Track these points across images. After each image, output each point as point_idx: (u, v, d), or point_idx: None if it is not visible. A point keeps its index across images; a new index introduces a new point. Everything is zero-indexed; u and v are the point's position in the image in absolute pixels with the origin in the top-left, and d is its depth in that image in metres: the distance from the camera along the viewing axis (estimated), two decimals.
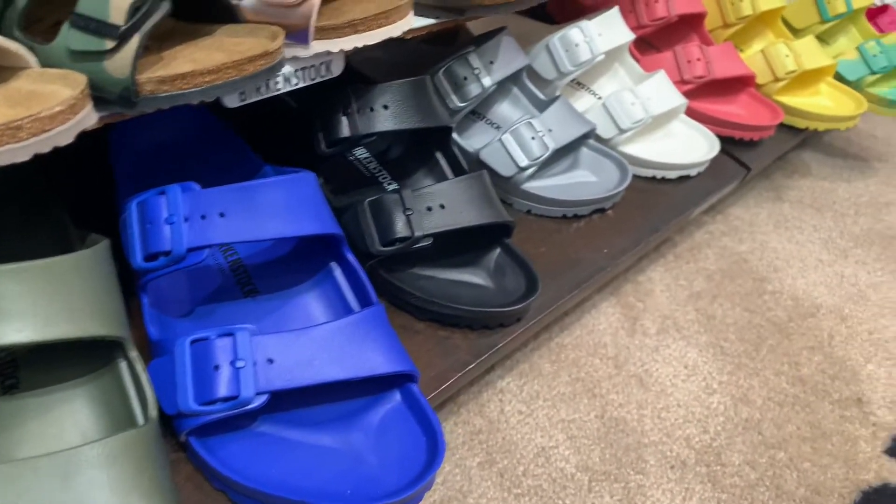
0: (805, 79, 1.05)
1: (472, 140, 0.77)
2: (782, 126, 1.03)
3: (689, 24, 1.02)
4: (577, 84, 0.91)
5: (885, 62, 1.12)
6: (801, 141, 1.11)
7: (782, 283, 0.93)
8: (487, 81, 0.71)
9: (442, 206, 0.57)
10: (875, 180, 1.21)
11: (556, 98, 0.78)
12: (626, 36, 0.85)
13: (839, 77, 1.11)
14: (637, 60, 0.94)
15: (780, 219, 1.06)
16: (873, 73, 1.11)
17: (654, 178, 0.86)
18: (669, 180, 0.86)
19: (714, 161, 0.89)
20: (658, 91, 0.85)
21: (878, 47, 1.12)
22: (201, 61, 0.42)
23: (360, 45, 0.50)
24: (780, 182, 1.16)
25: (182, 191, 0.46)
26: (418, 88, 0.60)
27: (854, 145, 1.30)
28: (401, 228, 0.56)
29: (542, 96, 0.80)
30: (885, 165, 1.25)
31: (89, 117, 0.37)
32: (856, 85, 1.12)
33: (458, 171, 0.68)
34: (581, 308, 0.83)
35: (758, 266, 0.95)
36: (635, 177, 0.84)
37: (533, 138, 0.72)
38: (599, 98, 0.90)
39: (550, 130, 0.74)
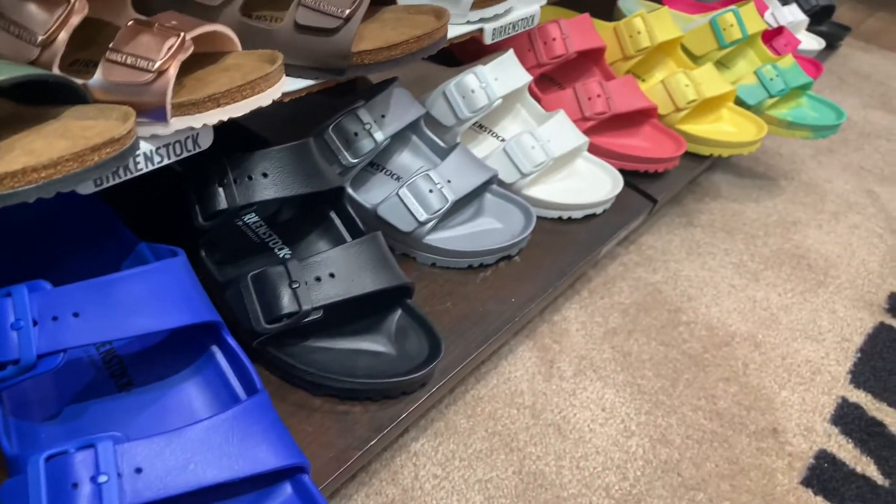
0: (706, 106, 1.07)
1: (371, 194, 0.75)
2: (688, 154, 1.04)
3: (590, 58, 1.03)
4: (479, 127, 0.90)
5: (782, 85, 1.15)
6: (706, 168, 1.14)
7: (696, 312, 0.94)
8: (380, 136, 0.69)
9: (332, 275, 0.55)
10: (782, 199, 1.24)
11: (456, 146, 0.77)
12: (523, 79, 0.85)
13: (740, 102, 1.14)
14: (538, 100, 0.95)
15: (693, 245, 1.08)
16: (771, 96, 1.14)
17: (560, 219, 0.86)
18: (576, 220, 0.86)
19: (620, 196, 0.89)
20: (558, 132, 0.85)
21: (774, 71, 1.16)
22: (39, 153, 0.39)
23: (224, 118, 0.48)
24: (691, 207, 1.18)
25: (29, 291, 0.42)
26: (301, 152, 0.58)
27: (761, 164, 1.34)
28: (287, 303, 0.53)
29: (441, 144, 0.78)
30: (791, 183, 1.29)
31: None
32: (756, 109, 1.15)
33: (354, 230, 0.66)
34: (498, 355, 0.82)
35: (672, 296, 0.96)
36: (541, 219, 0.84)
37: (431, 191, 0.71)
38: (502, 141, 0.89)
39: (449, 181, 0.72)
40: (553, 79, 1.04)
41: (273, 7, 0.62)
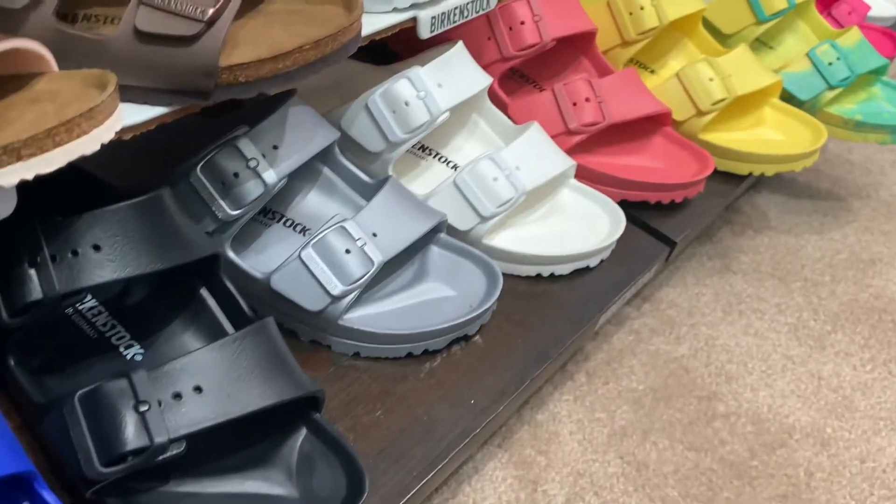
0: (741, 106, 1.09)
1: (264, 257, 0.74)
2: (718, 173, 1.05)
3: (575, 46, 1.04)
4: (422, 150, 0.90)
5: (846, 72, 1.18)
6: (746, 189, 1.15)
7: (739, 399, 0.94)
8: (271, 176, 0.69)
9: (198, 389, 0.54)
10: (855, 227, 1.26)
11: (386, 181, 0.77)
12: (479, 82, 0.86)
13: (788, 97, 1.16)
14: (504, 107, 0.95)
15: (731, 299, 1.08)
16: (831, 87, 1.17)
17: (539, 277, 0.85)
18: (561, 277, 0.86)
19: (624, 239, 0.89)
20: (532, 154, 0.85)
21: (833, 52, 1.18)
22: None
23: (29, 176, 0.47)
24: (728, 244, 1.19)
25: None
26: (150, 210, 0.57)
27: (824, 178, 1.36)
28: (132, 436, 0.52)
29: (365, 178, 0.78)
30: (867, 205, 1.31)
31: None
32: (812, 105, 1.17)
33: (235, 315, 0.65)
34: (458, 475, 0.81)
35: (704, 376, 0.96)
36: (511, 279, 0.83)
37: (349, 251, 0.70)
38: (455, 168, 0.90)
39: (376, 234, 0.72)
40: (525, 76, 1.05)
41: (104, 2, 0.61)
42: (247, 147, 0.69)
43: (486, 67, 0.96)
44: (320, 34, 0.60)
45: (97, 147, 0.50)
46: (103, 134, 0.50)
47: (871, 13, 1.44)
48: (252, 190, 0.68)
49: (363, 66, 0.93)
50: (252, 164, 0.68)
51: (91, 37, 0.56)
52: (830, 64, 1.17)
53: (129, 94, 0.57)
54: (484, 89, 0.88)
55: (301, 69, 0.60)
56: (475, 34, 0.96)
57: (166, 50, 0.56)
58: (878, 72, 1.23)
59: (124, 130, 0.55)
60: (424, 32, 0.78)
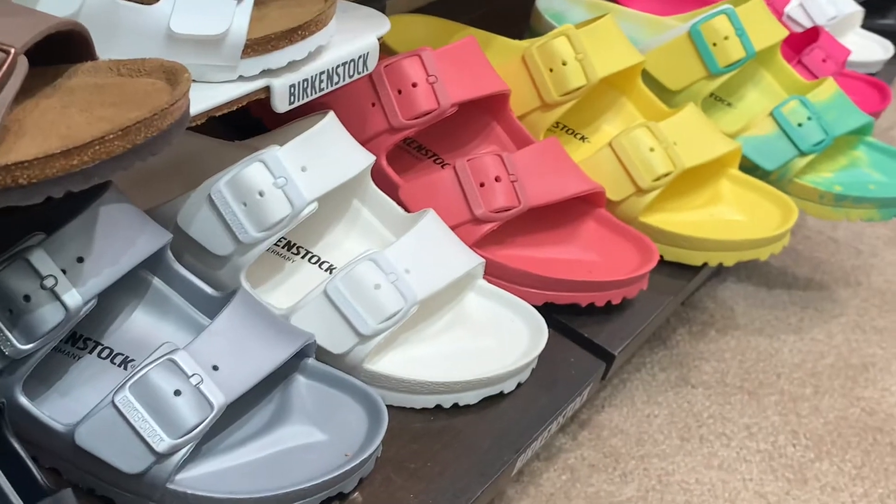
0: (691, 180, 1.09)
1: (71, 399, 0.72)
2: (668, 263, 1.05)
3: (485, 111, 1.04)
4: (287, 248, 0.89)
5: (820, 134, 1.20)
6: (705, 281, 1.16)
7: None
8: (75, 298, 0.66)
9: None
10: (841, 323, 1.27)
11: (233, 295, 0.74)
12: (356, 163, 0.85)
13: (750, 166, 1.17)
14: (394, 189, 0.94)
15: (691, 421, 1.08)
16: (803, 153, 1.18)
17: (439, 410, 0.84)
18: (468, 408, 0.85)
19: (546, 355, 0.88)
20: (425, 252, 0.84)
21: (804, 110, 1.20)
22: None
23: None
24: (686, 348, 1.19)
25: None
26: None
27: (802, 261, 1.38)
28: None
29: (208, 291, 0.76)
30: (856, 294, 1.33)
31: None
32: (779, 175, 1.18)
33: (28, 487, 0.62)
34: None
35: None
36: (401, 413, 0.82)
37: (179, 392, 0.67)
38: (331, 270, 0.88)
39: (216, 368, 0.69)
40: (423, 148, 1.05)
41: None
42: (41, 261, 0.66)
43: (370, 140, 0.96)
44: (131, 119, 0.58)
45: None
46: None
47: (852, 58, 1.48)
48: (49, 317, 0.66)
49: (212, 141, 0.92)
50: (48, 282, 0.66)
51: None
52: (800, 125, 1.19)
53: None
54: (364, 170, 0.87)
55: (104, 165, 0.58)
56: (356, 99, 0.96)
57: None
58: (860, 132, 1.26)
59: None
60: (281, 105, 0.78)
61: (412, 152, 1.05)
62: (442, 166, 1.04)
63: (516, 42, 1.14)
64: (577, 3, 1.36)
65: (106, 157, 0.58)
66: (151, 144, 0.60)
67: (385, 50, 1.13)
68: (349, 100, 0.94)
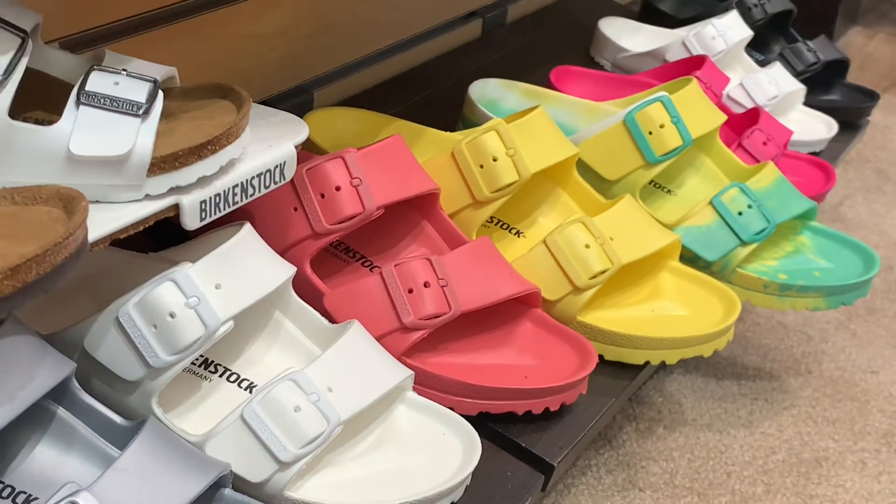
0: (630, 275, 1.10)
1: None
2: (608, 364, 1.05)
3: (415, 210, 1.04)
4: (204, 366, 0.88)
5: (762, 222, 1.20)
6: (650, 376, 1.15)
7: None
8: None
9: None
10: (793, 415, 1.27)
11: (141, 426, 0.73)
12: (274, 277, 0.84)
13: (692, 257, 1.18)
14: (317, 298, 0.93)
15: None
16: (744, 243, 1.19)
17: None
18: None
19: (481, 471, 0.87)
20: (349, 368, 0.83)
21: (744, 198, 1.21)
22: None
23: None
24: (633, 447, 1.18)
25: None
26: None
27: (752, 348, 1.38)
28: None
29: (117, 420, 0.75)
30: (807, 384, 1.33)
31: None
32: (722, 265, 1.19)
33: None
34: None
35: None
36: None
37: None
38: (251, 388, 0.87)
39: None
40: (351, 250, 1.04)
41: None
42: None
43: (293, 246, 0.96)
44: (22, 255, 0.58)
45: None
46: None
47: (795, 137, 1.50)
48: None
49: (124, 254, 0.91)
50: None
51: None
52: (741, 213, 1.19)
53: None
54: (284, 283, 0.86)
55: None
56: (277, 204, 0.95)
57: None
58: (804, 216, 1.27)
59: None
60: (192, 223, 0.77)
61: (339, 255, 1.04)
62: (370, 269, 1.03)
63: (448, 134, 1.15)
64: (511, 90, 1.37)
65: None
66: (43, 281, 0.59)
67: (310, 146, 1.14)
68: (270, 204, 0.94)
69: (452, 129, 1.23)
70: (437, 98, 1.39)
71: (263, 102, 1.25)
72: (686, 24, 1.64)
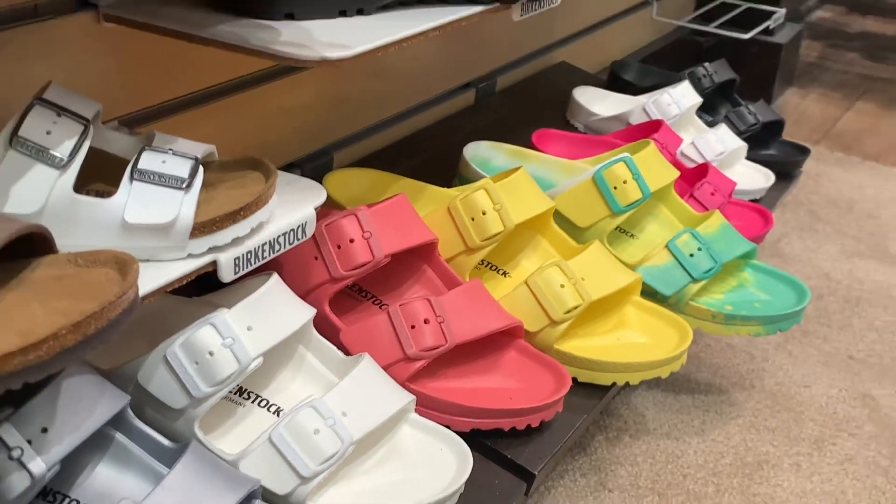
0: (600, 307, 1.09)
1: None
2: (581, 385, 1.05)
3: (418, 256, 1.04)
4: (238, 393, 0.87)
5: (709, 262, 1.20)
6: (617, 392, 1.15)
7: None
8: (39, 467, 0.64)
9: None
10: (738, 424, 1.27)
11: (185, 448, 0.73)
12: (298, 318, 0.84)
13: (652, 291, 1.18)
14: (334, 333, 0.94)
15: None
16: (695, 280, 1.19)
17: None
18: None
19: (473, 479, 0.86)
20: (360, 395, 0.83)
21: (694, 242, 1.21)
22: None
23: None
24: (604, 454, 1.18)
25: None
26: None
27: (704, 366, 1.38)
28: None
29: (165, 442, 0.75)
30: (751, 396, 1.33)
31: None
32: (676, 299, 1.19)
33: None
34: None
35: None
36: None
37: None
38: (279, 412, 0.87)
39: None
40: (364, 290, 1.04)
41: None
42: (9, 434, 0.65)
43: (314, 289, 0.96)
44: (83, 312, 0.58)
45: None
46: None
47: (738, 187, 1.50)
48: (16, 483, 0.64)
49: (173, 299, 0.91)
50: (15, 453, 0.64)
51: None
52: (692, 255, 1.20)
53: None
54: (306, 324, 0.86)
55: (57, 357, 0.57)
56: (300, 254, 0.95)
57: None
58: (746, 256, 1.27)
59: None
60: (227, 276, 0.77)
61: (354, 295, 1.04)
62: (380, 307, 1.03)
63: (445, 190, 1.15)
64: (499, 151, 1.37)
65: (60, 350, 0.57)
66: (101, 334, 0.59)
67: (330, 203, 1.14)
68: (295, 254, 0.94)
69: (450, 185, 1.24)
70: (437, 157, 1.39)
71: (291, 164, 1.26)
72: (647, 92, 1.64)
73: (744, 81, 2.36)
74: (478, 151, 1.36)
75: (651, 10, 2.08)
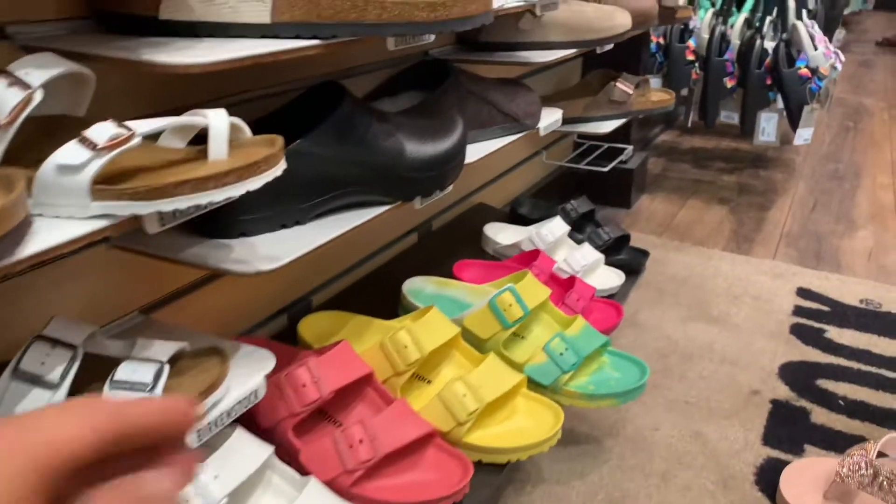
0: (496, 403, 1.00)
1: None
2: (485, 465, 0.96)
3: (361, 381, 0.95)
4: None
5: (574, 357, 1.12)
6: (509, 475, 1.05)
7: None
8: None
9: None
10: (609, 466, 1.17)
11: None
12: (258, 458, 0.76)
13: (536, 382, 1.09)
14: (296, 454, 0.85)
15: None
16: (564, 372, 1.10)
17: None
18: None
19: None
20: None
21: (563, 343, 1.13)
22: None
23: None
24: (508, 498, 1.08)
25: None
26: None
27: (587, 421, 1.28)
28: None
29: None
30: (617, 442, 1.22)
31: None
32: (554, 387, 1.10)
33: None
34: None
35: None
36: None
37: None
38: None
39: None
40: (324, 412, 0.95)
41: None
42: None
43: (280, 421, 0.88)
44: None
45: None
46: None
47: (599, 286, 1.42)
48: None
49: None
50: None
51: None
52: (562, 354, 1.11)
53: None
54: (267, 458, 0.77)
55: None
56: (269, 395, 0.86)
57: None
58: (603, 346, 1.18)
59: None
60: (192, 446, 0.68)
61: (315, 415, 0.95)
62: (335, 424, 0.94)
63: (387, 323, 1.08)
64: (428, 282, 1.29)
65: None
66: None
67: (303, 342, 1.06)
68: (266, 396, 0.85)
69: (396, 313, 1.16)
70: (387, 290, 1.30)
71: (281, 310, 1.17)
72: (536, 222, 1.57)
73: (610, 194, 2.30)
74: (413, 285, 1.28)
75: (542, 156, 2.01)
